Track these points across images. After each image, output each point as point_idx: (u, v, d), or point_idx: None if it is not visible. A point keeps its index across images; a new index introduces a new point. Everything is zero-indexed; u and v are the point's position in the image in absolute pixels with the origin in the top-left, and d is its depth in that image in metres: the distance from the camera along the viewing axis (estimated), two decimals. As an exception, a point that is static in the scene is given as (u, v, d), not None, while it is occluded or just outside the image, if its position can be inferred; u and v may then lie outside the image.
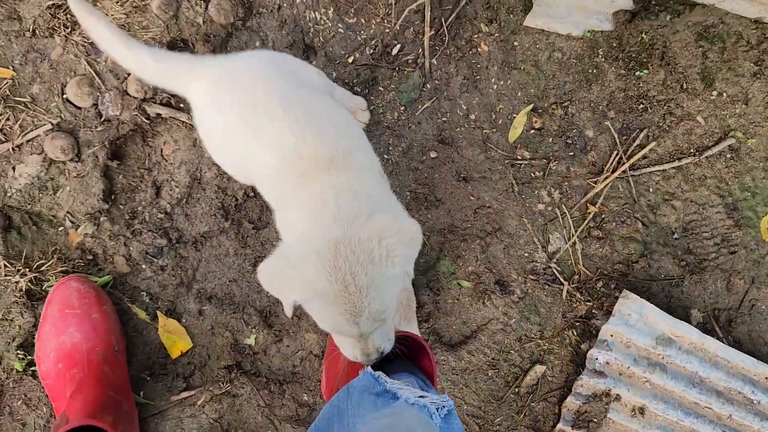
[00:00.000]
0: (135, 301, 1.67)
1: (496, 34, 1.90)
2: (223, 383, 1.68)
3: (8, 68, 1.63)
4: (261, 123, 1.25)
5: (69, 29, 1.65)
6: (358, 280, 1.11)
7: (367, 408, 1.17)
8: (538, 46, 1.92)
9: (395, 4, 1.83)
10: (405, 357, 1.57)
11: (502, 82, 1.91)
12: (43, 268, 1.61)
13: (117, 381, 1.52)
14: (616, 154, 1.96)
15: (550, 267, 1.92)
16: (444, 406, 1.15)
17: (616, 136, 1.95)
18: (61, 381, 1.49)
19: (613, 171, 1.95)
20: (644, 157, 1.98)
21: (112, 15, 1.66)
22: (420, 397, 1.16)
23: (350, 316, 1.14)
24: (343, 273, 1.11)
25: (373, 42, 1.83)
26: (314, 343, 1.75)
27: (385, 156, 1.85)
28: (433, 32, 1.85)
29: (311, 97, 1.34)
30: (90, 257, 1.66)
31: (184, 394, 1.66)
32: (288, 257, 1.15)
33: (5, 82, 1.63)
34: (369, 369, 1.20)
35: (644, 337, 1.88)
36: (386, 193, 1.35)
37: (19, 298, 1.57)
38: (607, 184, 1.95)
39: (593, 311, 1.93)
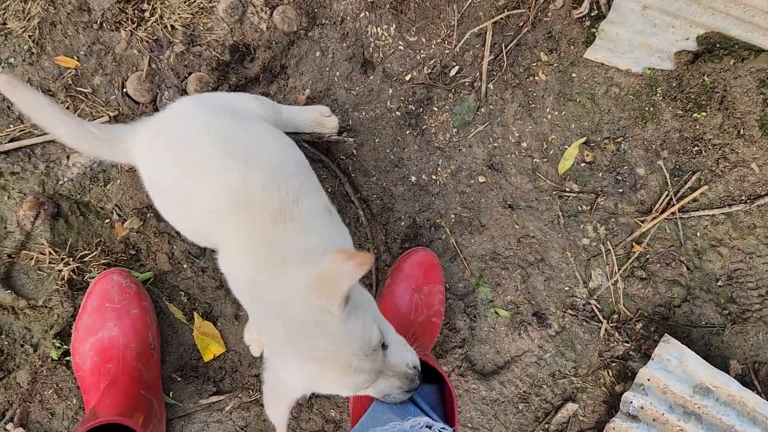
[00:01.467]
0: (173, 300, 1.69)
1: (555, 64, 1.91)
2: (252, 391, 1.69)
3: (73, 58, 1.67)
4: (202, 164, 1.25)
5: (135, 24, 1.69)
6: (321, 344, 1.08)
7: None
8: (595, 80, 1.93)
9: (457, 26, 1.85)
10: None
11: (556, 113, 1.92)
12: (86, 259, 1.64)
13: (150, 379, 1.53)
14: (666, 195, 1.95)
15: (589, 303, 1.92)
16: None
17: (667, 176, 1.95)
18: (95, 374, 1.50)
19: (662, 212, 1.95)
20: (694, 200, 1.97)
21: (178, 14, 1.70)
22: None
23: (347, 370, 1.10)
24: (313, 348, 1.08)
25: (431, 62, 1.86)
26: (346, 359, 1.76)
27: (433, 177, 1.86)
28: (492, 57, 1.87)
29: (249, 131, 1.33)
30: (133, 252, 1.68)
31: (213, 399, 1.67)
32: (273, 373, 1.14)
33: (69, 71, 1.67)
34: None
35: (682, 384, 1.86)
36: (334, 233, 1.33)
37: (61, 287, 1.60)
38: (655, 225, 1.94)
39: (630, 353, 1.92)
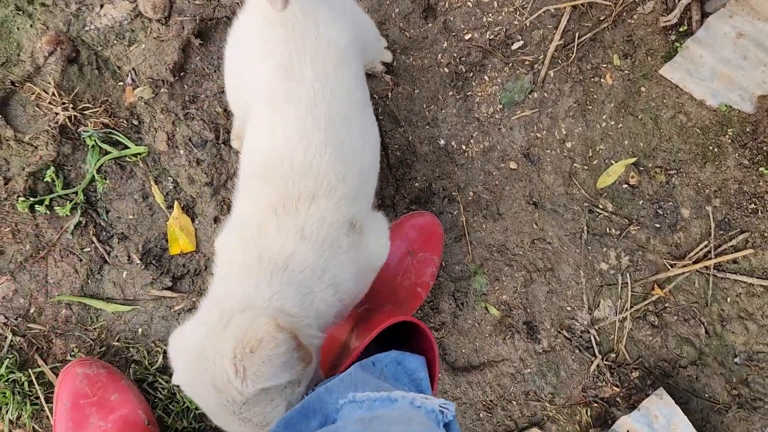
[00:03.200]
0: (158, 183, 1.63)
1: (626, 71, 1.80)
2: (207, 300, 1.60)
3: None
4: (288, 92, 1.12)
5: None
6: (209, 401, 0.98)
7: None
8: (665, 101, 1.81)
9: (535, -1, 1.77)
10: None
11: (612, 123, 1.80)
12: (86, 112, 1.60)
13: None
14: (706, 246, 1.80)
15: (588, 332, 1.77)
16: (449, 410, 1.01)
17: (713, 226, 1.80)
18: None
19: (696, 262, 1.80)
20: (735, 261, 1.81)
21: None
22: (425, 398, 1.02)
23: (224, 417, 1.00)
24: (200, 382, 0.98)
25: (496, 28, 1.77)
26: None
27: (463, 147, 1.76)
28: (561, 43, 1.77)
29: (363, 105, 1.21)
30: (135, 123, 1.64)
31: (166, 293, 1.59)
32: (181, 337, 1.04)
33: (131, -77, 1.66)
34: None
35: (663, 448, 1.69)
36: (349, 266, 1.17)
37: (52, 129, 1.56)
38: (684, 273, 1.79)
39: (617, 399, 1.76)
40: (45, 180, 1.55)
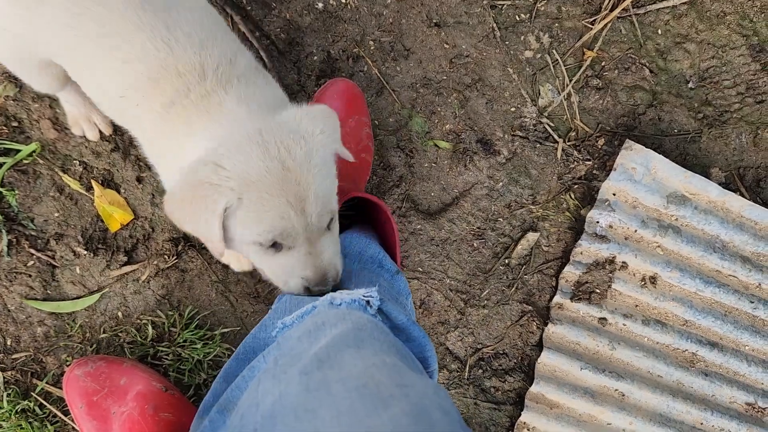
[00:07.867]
0: (67, 171, 1.60)
1: None
2: (169, 257, 1.61)
3: None
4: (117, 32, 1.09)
5: None
6: (294, 153, 1.03)
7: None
8: None
9: None
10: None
11: None
12: (-40, 134, 1.56)
13: (181, 417, 1.46)
14: (615, -11, 1.80)
15: (541, 122, 1.79)
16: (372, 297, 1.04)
17: (614, -34, 1.79)
18: None
19: (612, 8, 1.80)
20: (649, -9, 1.82)
21: None
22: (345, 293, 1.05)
23: (295, 200, 1.02)
24: (276, 149, 1.02)
25: None
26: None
27: (342, 1, 1.73)
28: None
29: None
30: (15, 124, 1.60)
31: (126, 269, 1.60)
32: (205, 162, 1.02)
33: None
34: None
35: (653, 195, 1.75)
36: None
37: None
38: (606, 25, 1.80)
39: (594, 171, 1.80)
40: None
